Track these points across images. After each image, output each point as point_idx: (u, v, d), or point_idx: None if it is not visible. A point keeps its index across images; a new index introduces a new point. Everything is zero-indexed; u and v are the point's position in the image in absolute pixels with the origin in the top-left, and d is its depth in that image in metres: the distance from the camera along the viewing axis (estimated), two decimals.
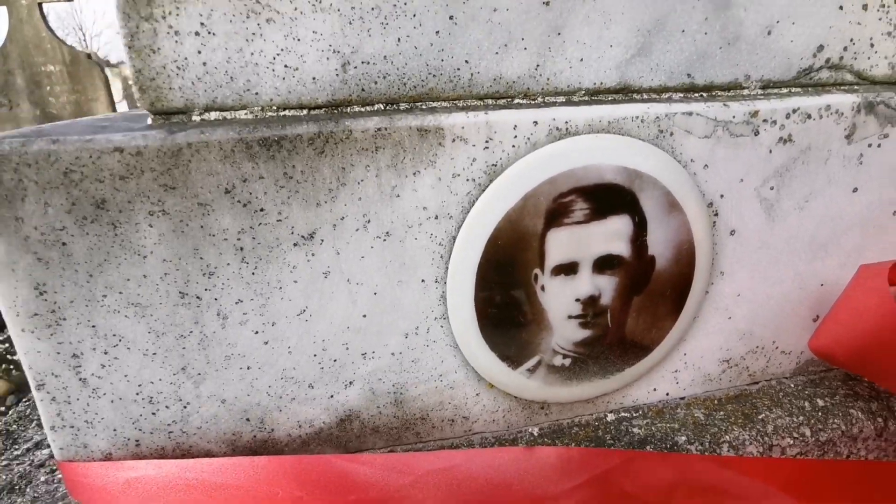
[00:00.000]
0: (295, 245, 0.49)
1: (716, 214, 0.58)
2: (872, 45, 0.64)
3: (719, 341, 0.65)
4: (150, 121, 0.49)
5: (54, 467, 0.57)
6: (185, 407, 0.51)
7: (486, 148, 0.50)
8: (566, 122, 0.51)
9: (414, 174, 0.49)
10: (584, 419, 0.63)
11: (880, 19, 0.63)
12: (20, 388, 2.70)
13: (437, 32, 0.51)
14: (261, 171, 0.46)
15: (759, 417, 0.63)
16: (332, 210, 0.49)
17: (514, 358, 0.56)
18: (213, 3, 0.46)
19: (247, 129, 0.45)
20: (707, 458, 0.56)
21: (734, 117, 0.55)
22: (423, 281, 0.53)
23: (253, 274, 0.49)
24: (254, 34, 0.48)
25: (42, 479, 0.55)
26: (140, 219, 0.45)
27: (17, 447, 0.60)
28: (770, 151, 0.57)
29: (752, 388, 0.68)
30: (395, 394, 0.56)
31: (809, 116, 0.57)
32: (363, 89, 0.51)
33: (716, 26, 0.57)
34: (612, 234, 0.53)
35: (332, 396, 0.54)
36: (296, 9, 0.48)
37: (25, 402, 0.68)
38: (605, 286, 0.55)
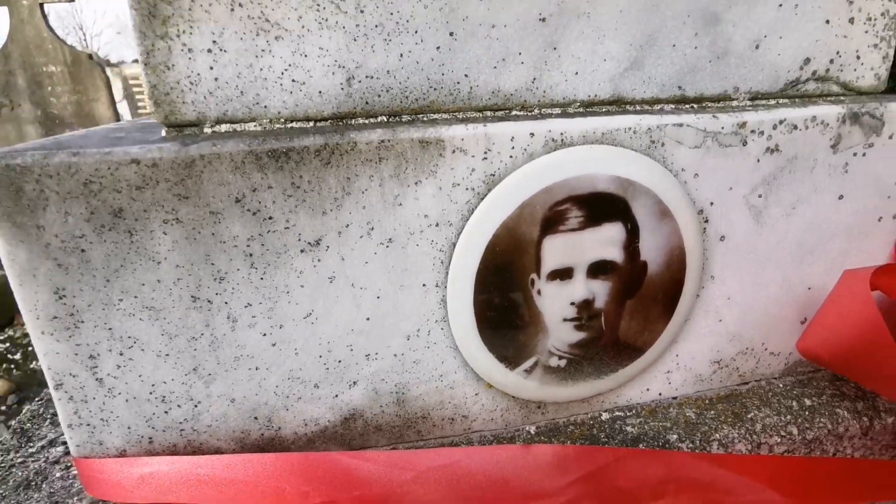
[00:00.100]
0: (302, 251, 0.51)
1: (706, 221, 0.60)
2: (859, 58, 0.66)
3: (710, 343, 0.67)
4: (163, 133, 0.51)
5: (69, 464, 0.59)
6: (196, 406, 0.54)
7: (485, 158, 0.52)
8: (561, 134, 0.53)
9: (416, 184, 0.51)
10: (580, 418, 0.65)
11: (867, 32, 0.65)
12: (21, 388, 2.72)
13: (438, 48, 0.53)
14: (270, 181, 0.49)
15: (749, 416, 0.65)
16: (338, 218, 0.51)
17: (512, 359, 0.58)
18: (225, 22, 0.49)
19: (256, 141, 0.48)
20: (697, 455, 0.58)
21: (723, 128, 0.57)
22: (424, 285, 0.55)
23: (262, 279, 0.51)
24: (263, 51, 0.50)
25: (57, 475, 0.57)
26: (155, 227, 0.48)
27: (31, 445, 0.62)
28: (758, 161, 0.59)
29: (742, 389, 0.70)
30: (398, 393, 0.58)
31: (796, 127, 0.59)
32: (367, 102, 0.54)
33: (705, 41, 0.59)
34: (606, 241, 0.55)
35: (336, 396, 0.57)
36: (303, 26, 0.50)
37: (38, 401, 0.71)
38: (599, 290, 0.57)
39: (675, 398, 0.68)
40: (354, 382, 0.56)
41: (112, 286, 0.48)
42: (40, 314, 0.48)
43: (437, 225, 0.53)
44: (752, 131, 0.58)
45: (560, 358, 0.59)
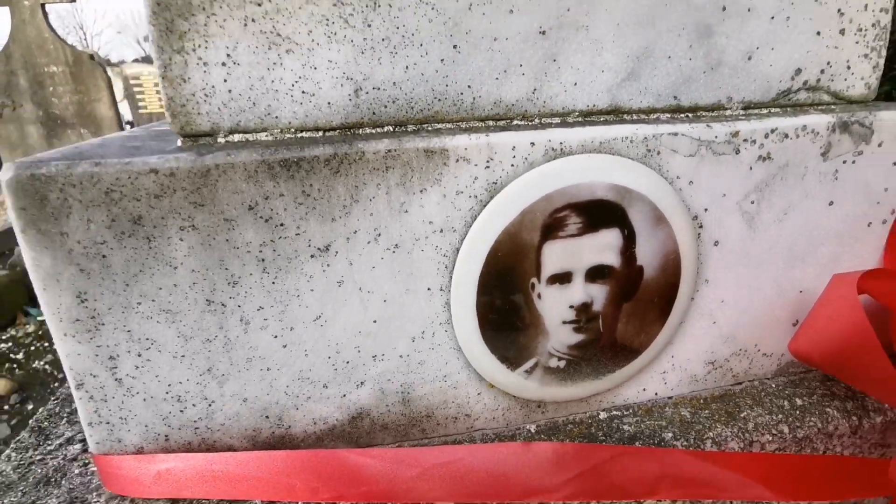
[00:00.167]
0: (312, 257, 0.53)
1: (700, 227, 0.63)
2: (849, 67, 0.68)
3: (705, 345, 0.69)
4: (179, 143, 0.53)
5: (87, 461, 0.61)
6: (210, 405, 0.56)
7: (488, 167, 0.54)
8: (561, 143, 0.55)
9: (421, 191, 0.53)
10: (578, 417, 0.67)
11: (857, 42, 0.68)
12: (23, 387, 2.73)
13: (442, 60, 0.56)
14: (281, 189, 0.51)
15: (742, 415, 0.67)
16: (346, 224, 0.53)
17: (513, 360, 0.60)
18: (239, 36, 0.51)
19: (269, 151, 0.50)
20: (691, 452, 0.60)
21: (717, 137, 0.59)
22: (428, 289, 0.57)
23: (273, 283, 0.53)
24: (274, 63, 0.52)
25: (76, 471, 0.60)
26: (172, 233, 0.50)
27: (49, 443, 0.64)
28: (750, 168, 0.62)
29: (736, 389, 0.72)
30: (403, 393, 0.60)
31: (787, 136, 0.61)
32: (374, 113, 0.56)
33: (699, 53, 0.61)
34: (604, 246, 0.58)
35: (344, 396, 0.59)
36: (313, 40, 0.52)
37: (54, 399, 0.73)
38: (597, 294, 0.59)
39: (670, 398, 0.71)
40: (362, 382, 0.59)
41: (131, 290, 0.51)
42: (63, 317, 0.50)
43: (441, 231, 0.55)
44: (745, 140, 0.60)
45: (559, 359, 0.61)
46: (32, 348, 2.99)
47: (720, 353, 0.70)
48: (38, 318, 3.15)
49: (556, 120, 0.60)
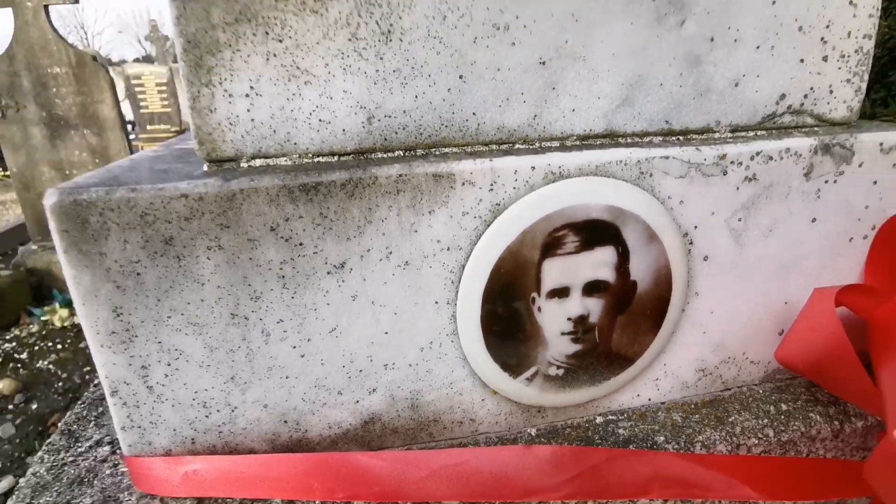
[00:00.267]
0: (328, 273, 0.57)
1: (691, 243, 0.67)
2: (832, 92, 0.72)
3: (695, 353, 0.73)
4: (205, 168, 0.58)
5: (116, 462, 0.65)
6: (233, 411, 0.60)
7: (491, 190, 0.58)
8: (559, 167, 0.60)
9: (429, 213, 0.58)
10: (576, 421, 0.72)
11: (840, 68, 0.72)
12: (27, 387, 2.77)
13: (449, 90, 0.60)
14: (300, 211, 0.55)
15: (730, 420, 0.71)
16: (360, 243, 0.57)
17: (515, 368, 0.64)
18: (261, 70, 0.55)
19: (289, 176, 0.54)
20: (681, 455, 0.64)
21: (705, 160, 0.64)
22: (436, 303, 0.61)
23: (292, 297, 0.57)
24: (294, 94, 0.57)
25: (107, 472, 0.64)
26: (200, 252, 0.54)
27: (79, 445, 0.68)
28: (737, 188, 0.66)
29: (725, 394, 0.76)
30: (412, 399, 0.65)
31: (771, 158, 0.65)
32: (385, 139, 0.60)
33: (689, 80, 0.65)
34: (599, 263, 0.62)
35: (357, 402, 0.63)
36: (329, 72, 0.57)
37: (81, 404, 0.77)
38: (594, 307, 0.63)
39: (662, 403, 0.75)
40: (374, 389, 0.63)
41: (162, 305, 0.55)
42: (100, 329, 0.54)
43: (448, 249, 0.59)
44: (732, 162, 0.64)
45: (558, 367, 0.65)
46: (36, 348, 3.03)
47: (710, 361, 0.75)
48: (42, 318, 3.19)
49: (555, 144, 0.65)
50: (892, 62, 1.64)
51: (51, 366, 2.91)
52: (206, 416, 0.60)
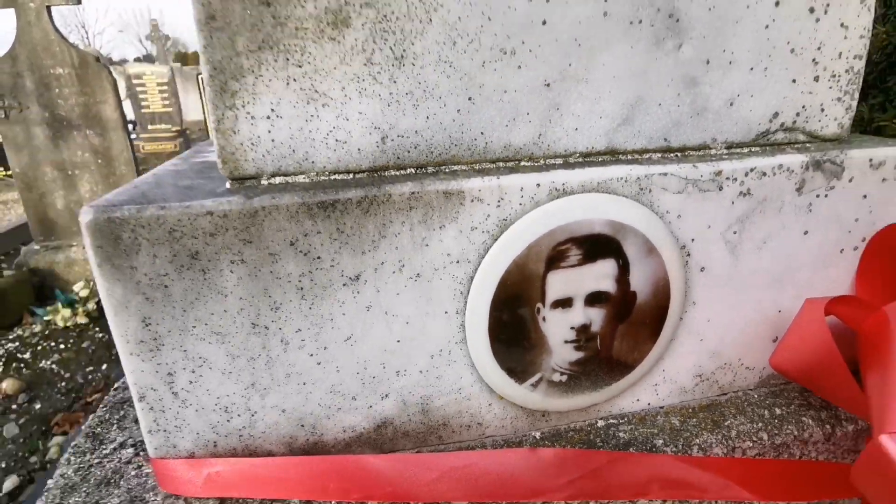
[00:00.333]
0: (344, 285, 0.61)
1: (688, 255, 0.70)
2: (823, 110, 0.75)
3: (693, 359, 0.76)
4: (228, 185, 0.61)
5: (140, 464, 0.68)
6: (252, 415, 0.63)
7: (499, 206, 0.61)
8: (563, 184, 0.63)
9: (440, 228, 0.61)
10: (578, 425, 0.75)
11: (831, 87, 0.75)
12: (31, 387, 2.80)
13: (458, 111, 0.63)
14: (318, 227, 0.58)
15: (726, 424, 0.75)
16: (374, 257, 0.60)
17: (520, 375, 0.67)
18: (282, 94, 0.58)
19: (308, 194, 0.57)
20: (679, 457, 0.68)
21: (702, 176, 0.67)
22: (446, 312, 0.64)
23: (310, 308, 0.61)
24: (312, 116, 0.60)
25: (132, 473, 0.67)
26: (223, 266, 0.57)
27: (104, 447, 0.72)
28: (732, 203, 0.69)
29: (722, 399, 0.80)
30: (422, 404, 0.68)
31: (765, 174, 0.69)
32: (398, 157, 0.63)
33: (686, 100, 0.69)
34: (601, 275, 0.65)
35: (371, 406, 0.66)
36: (346, 95, 0.60)
37: (103, 407, 0.80)
38: (595, 317, 0.67)
39: (661, 407, 0.78)
40: (386, 395, 0.66)
41: (188, 315, 0.58)
42: (130, 339, 0.57)
43: (457, 262, 0.62)
44: (727, 178, 0.68)
45: (562, 374, 0.69)
46: (39, 348, 3.06)
47: (707, 367, 0.78)
48: (44, 318, 3.21)
49: (559, 161, 0.68)
50: (890, 67, 1.67)
51: (53, 365, 2.94)
52: (228, 421, 0.63)
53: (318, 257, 0.59)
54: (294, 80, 0.58)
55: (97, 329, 3.25)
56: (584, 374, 0.70)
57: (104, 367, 2.95)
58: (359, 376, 0.64)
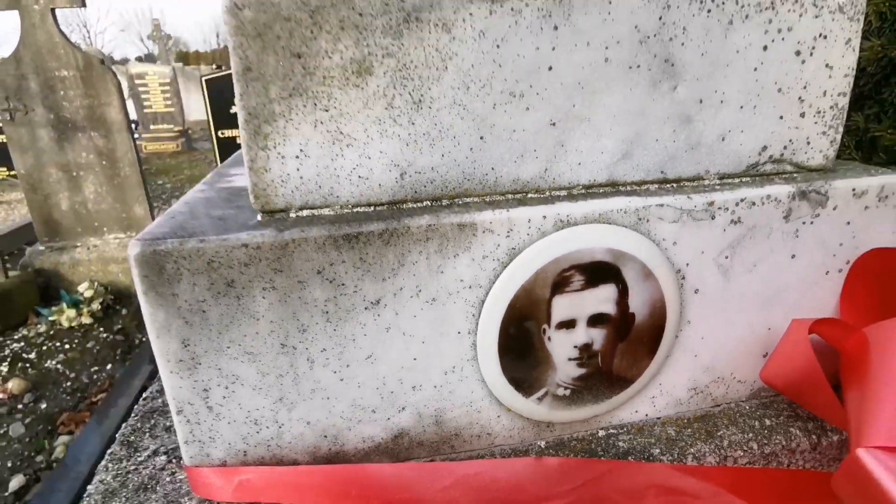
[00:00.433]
0: (365, 309, 0.66)
1: (683, 278, 0.75)
2: (809, 143, 0.81)
3: (687, 374, 0.82)
4: (259, 218, 0.66)
5: (174, 471, 0.74)
6: (280, 427, 0.69)
7: (508, 236, 0.67)
8: (567, 216, 0.68)
9: (454, 256, 0.66)
10: (581, 435, 0.80)
11: (816, 123, 0.80)
12: (36, 387, 2.84)
13: (471, 149, 0.68)
14: (343, 257, 0.63)
15: (719, 434, 0.80)
16: (394, 283, 0.66)
17: (527, 389, 0.73)
18: (310, 135, 0.63)
19: (334, 227, 0.63)
20: (674, 466, 0.73)
21: (696, 206, 0.72)
22: (458, 333, 0.70)
23: (335, 330, 0.66)
24: (337, 155, 0.65)
25: (167, 479, 0.72)
26: (256, 293, 0.62)
27: (139, 455, 0.77)
28: (724, 230, 0.74)
29: (715, 410, 0.85)
30: (436, 416, 0.73)
31: (754, 203, 0.74)
32: (415, 191, 0.68)
33: (681, 136, 0.74)
34: (602, 299, 0.70)
35: (388, 419, 0.71)
36: (368, 136, 0.65)
37: (134, 416, 0.85)
38: (597, 336, 0.72)
39: (658, 418, 0.83)
40: (403, 408, 0.71)
41: (223, 337, 0.63)
42: (170, 358, 0.63)
43: (470, 287, 0.68)
44: (719, 208, 0.73)
45: (565, 388, 0.74)
46: (44, 348, 3.11)
47: (701, 381, 0.83)
48: (50, 318, 3.25)
49: (564, 193, 0.73)
50: (885, 79, 1.72)
51: (59, 365, 2.98)
52: (257, 432, 0.68)
53: (343, 284, 0.64)
54: (321, 122, 0.63)
55: (102, 329, 3.30)
56: (586, 389, 0.75)
57: (109, 366, 2.99)
58: (378, 391, 0.70)
